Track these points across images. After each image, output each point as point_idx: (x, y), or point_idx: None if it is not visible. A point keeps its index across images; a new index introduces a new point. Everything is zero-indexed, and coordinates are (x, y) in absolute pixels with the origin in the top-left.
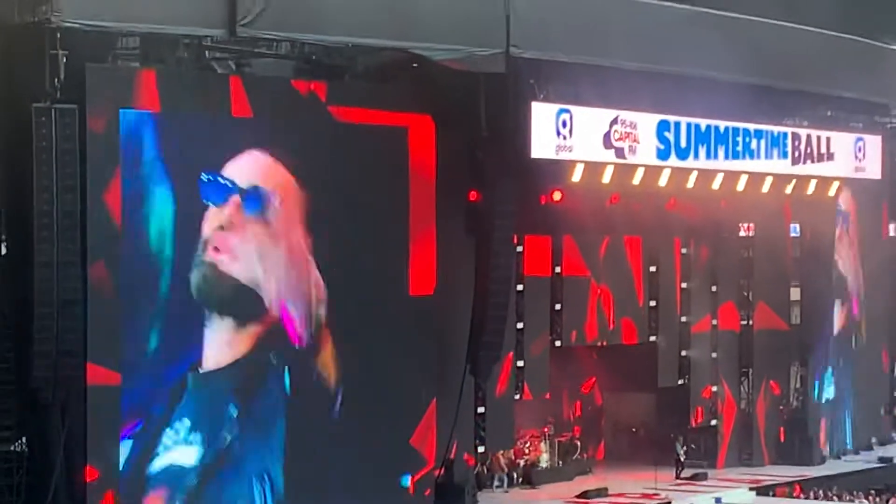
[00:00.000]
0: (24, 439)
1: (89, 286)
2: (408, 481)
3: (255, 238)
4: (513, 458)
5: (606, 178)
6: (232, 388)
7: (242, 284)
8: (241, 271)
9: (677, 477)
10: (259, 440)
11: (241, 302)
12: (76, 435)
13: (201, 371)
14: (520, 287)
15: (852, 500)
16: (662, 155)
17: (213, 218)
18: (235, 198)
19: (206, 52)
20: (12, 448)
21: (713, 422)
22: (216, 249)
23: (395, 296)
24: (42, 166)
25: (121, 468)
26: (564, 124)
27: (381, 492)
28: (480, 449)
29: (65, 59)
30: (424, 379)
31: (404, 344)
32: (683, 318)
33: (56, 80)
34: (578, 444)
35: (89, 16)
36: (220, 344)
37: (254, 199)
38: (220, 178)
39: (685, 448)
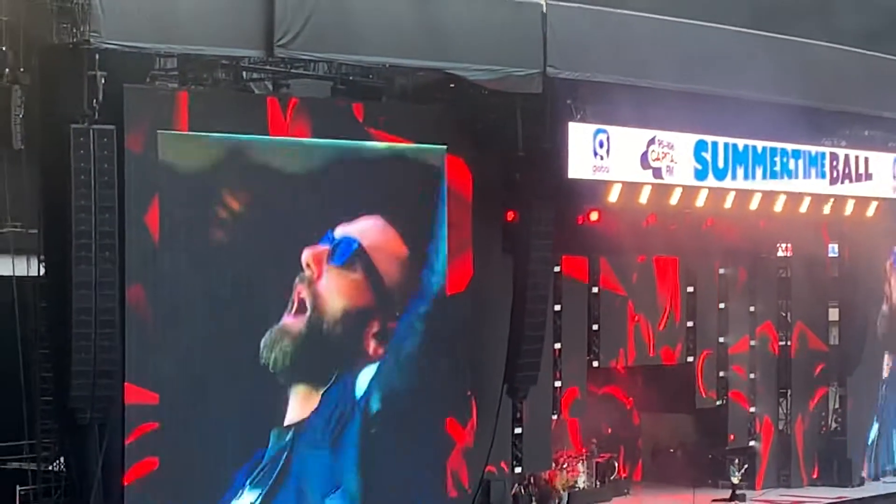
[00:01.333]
0: (62, 459)
1: (127, 307)
2: None
3: None
4: (567, 480)
5: (643, 198)
6: None
7: None
8: None
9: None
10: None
11: None
12: (114, 455)
13: None
14: (557, 307)
15: None
16: (700, 175)
17: None
18: None
19: (244, 73)
20: (51, 468)
21: (751, 443)
22: None
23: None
24: (80, 187)
25: None
26: (601, 144)
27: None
28: (517, 470)
29: (103, 80)
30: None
31: (445, 356)
32: (721, 339)
33: (94, 101)
34: (616, 464)
35: (127, 37)
36: None
37: None
38: None
39: (742, 472)
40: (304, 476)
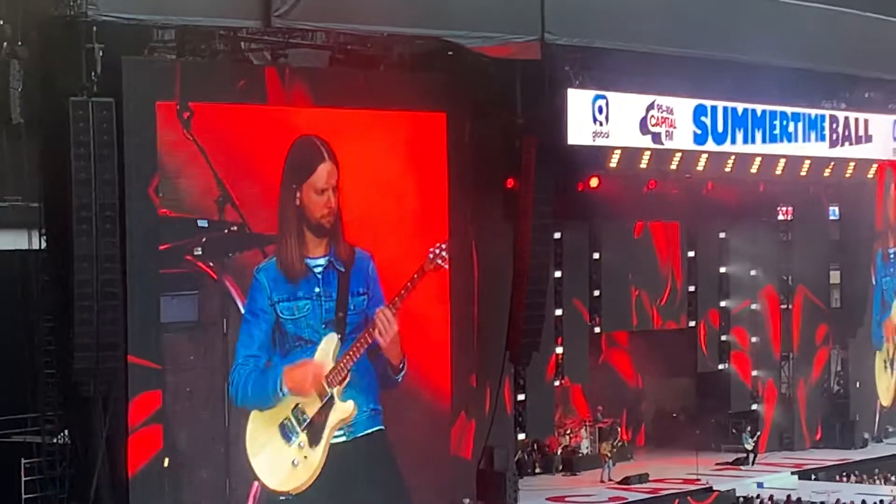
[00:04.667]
0: (66, 432)
1: (129, 279)
2: None
3: None
4: (614, 444)
5: (643, 163)
6: None
7: None
8: None
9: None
10: None
11: None
12: (118, 427)
13: None
14: (558, 274)
15: None
16: (699, 140)
17: None
18: None
19: (242, 44)
20: (55, 440)
21: (754, 406)
22: None
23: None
24: (80, 160)
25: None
26: (601, 110)
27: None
28: (521, 436)
29: (101, 53)
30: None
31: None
32: (723, 303)
33: (93, 73)
34: (619, 429)
35: (125, 9)
36: None
37: None
38: None
39: (756, 438)
40: None
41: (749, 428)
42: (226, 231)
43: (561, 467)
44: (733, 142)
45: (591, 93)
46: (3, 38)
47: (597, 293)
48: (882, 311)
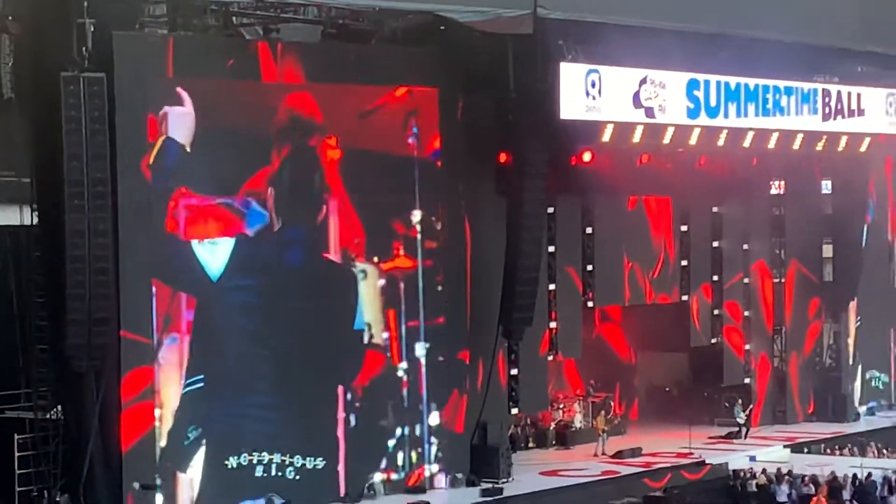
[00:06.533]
0: (59, 407)
1: (121, 254)
2: None
3: None
4: (608, 418)
5: (636, 138)
6: None
7: None
8: None
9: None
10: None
11: None
12: (111, 402)
13: None
14: (551, 248)
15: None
16: (692, 114)
17: None
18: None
19: (234, 18)
20: (48, 416)
21: (746, 380)
22: None
23: None
24: (71, 135)
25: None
26: (593, 84)
27: None
28: (514, 411)
29: (92, 28)
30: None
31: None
32: (715, 277)
33: (84, 48)
34: (612, 404)
35: None
36: None
37: None
38: None
39: (748, 412)
40: None
41: (741, 401)
42: None
43: (554, 442)
44: (726, 116)
45: (584, 67)
46: None
47: (590, 268)
48: None
